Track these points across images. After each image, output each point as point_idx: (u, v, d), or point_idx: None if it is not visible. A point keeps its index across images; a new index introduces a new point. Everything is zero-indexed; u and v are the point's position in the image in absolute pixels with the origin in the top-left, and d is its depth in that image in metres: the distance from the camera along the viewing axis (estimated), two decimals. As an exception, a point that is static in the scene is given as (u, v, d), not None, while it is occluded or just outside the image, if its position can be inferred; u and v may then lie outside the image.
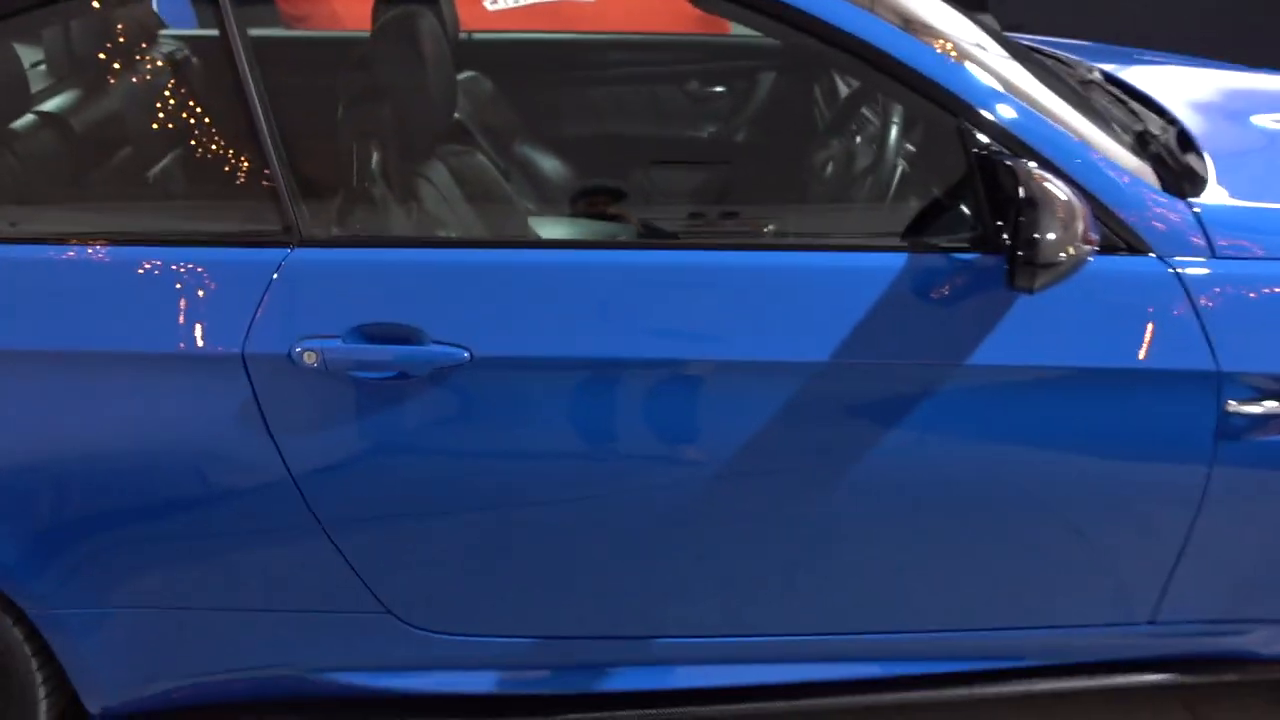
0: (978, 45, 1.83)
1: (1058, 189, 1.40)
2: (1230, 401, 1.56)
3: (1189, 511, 1.64)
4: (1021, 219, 1.38)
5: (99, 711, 1.79)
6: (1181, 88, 2.23)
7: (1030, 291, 1.41)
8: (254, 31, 1.61)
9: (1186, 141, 1.88)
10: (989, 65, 1.72)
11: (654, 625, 1.78)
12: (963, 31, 1.86)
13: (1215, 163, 1.77)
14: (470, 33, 2.75)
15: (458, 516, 1.64)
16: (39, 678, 1.74)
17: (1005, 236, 1.45)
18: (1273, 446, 1.60)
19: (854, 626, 1.78)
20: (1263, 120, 2.10)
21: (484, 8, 3.89)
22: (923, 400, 1.56)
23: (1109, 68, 2.31)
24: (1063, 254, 1.38)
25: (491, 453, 1.59)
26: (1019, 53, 1.98)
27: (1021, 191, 1.39)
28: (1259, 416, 1.57)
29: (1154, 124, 1.95)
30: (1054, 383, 1.57)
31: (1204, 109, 2.10)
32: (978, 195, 1.51)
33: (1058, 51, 2.43)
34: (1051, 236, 1.37)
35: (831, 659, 1.80)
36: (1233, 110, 2.17)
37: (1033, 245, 1.37)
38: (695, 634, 1.78)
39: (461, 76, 2.49)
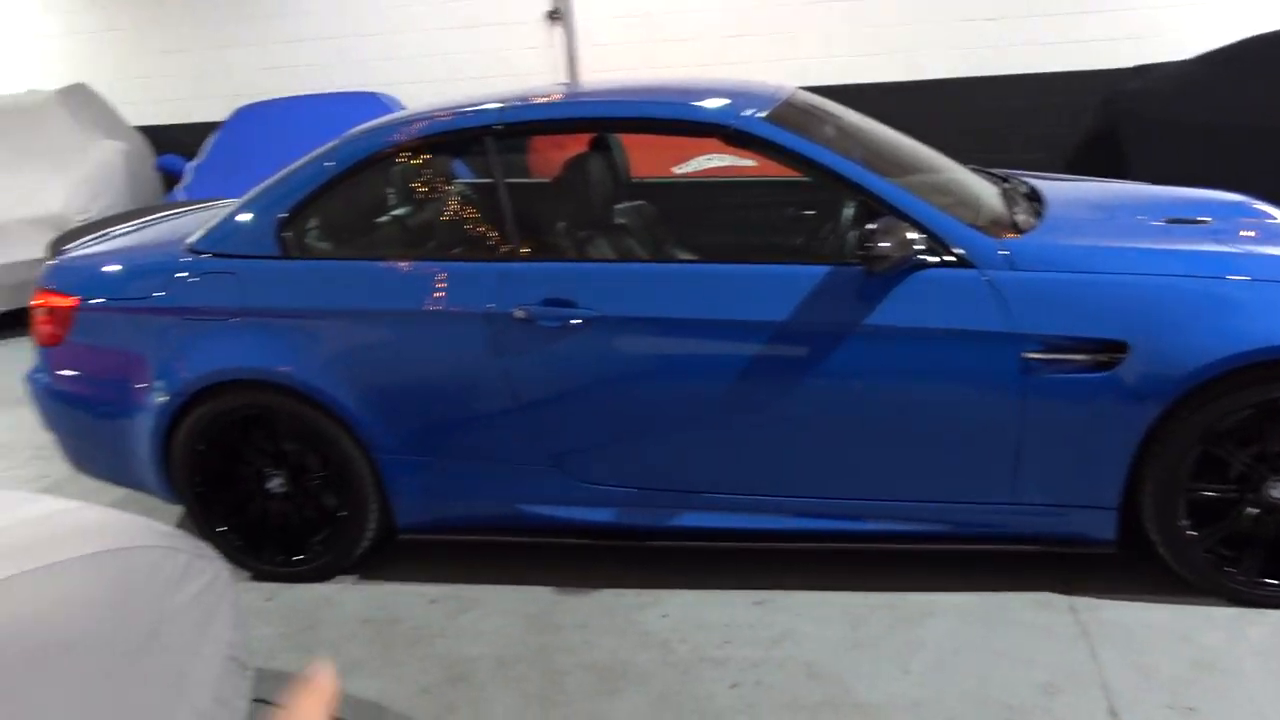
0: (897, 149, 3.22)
1: (894, 225, 2.72)
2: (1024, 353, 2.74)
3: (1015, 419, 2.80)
4: (868, 241, 2.72)
5: (402, 525, 3.29)
6: (1082, 190, 3.47)
7: (871, 274, 2.73)
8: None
9: (1039, 210, 3.14)
10: (896, 160, 3.10)
11: (704, 486, 3.08)
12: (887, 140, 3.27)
13: (1047, 222, 3.02)
14: (642, 178, 4.33)
15: (595, 406, 3.04)
16: (373, 497, 3.26)
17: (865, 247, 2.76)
18: (1061, 382, 2.74)
19: (817, 493, 3.01)
20: (1102, 203, 3.33)
21: (673, 171, 5.61)
22: (836, 344, 2.84)
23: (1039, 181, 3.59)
24: (891, 255, 2.70)
25: (608, 370, 2.99)
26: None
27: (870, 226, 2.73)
28: (1047, 361, 2.74)
29: (1023, 206, 3.21)
30: (911, 334, 2.81)
31: (1076, 200, 3.32)
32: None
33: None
34: (885, 245, 2.69)
35: (810, 515, 3.04)
36: (1092, 201, 3.38)
37: (869, 249, 2.70)
38: (725, 492, 3.07)
39: (636, 202, 4.04)
